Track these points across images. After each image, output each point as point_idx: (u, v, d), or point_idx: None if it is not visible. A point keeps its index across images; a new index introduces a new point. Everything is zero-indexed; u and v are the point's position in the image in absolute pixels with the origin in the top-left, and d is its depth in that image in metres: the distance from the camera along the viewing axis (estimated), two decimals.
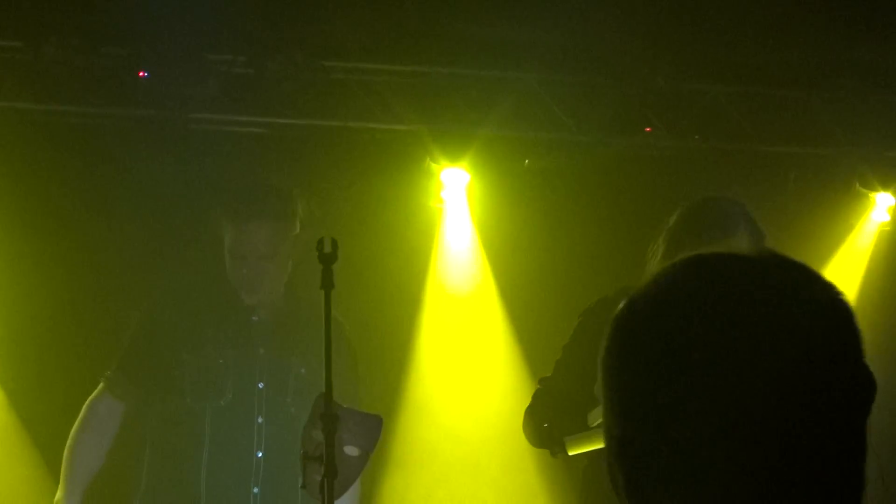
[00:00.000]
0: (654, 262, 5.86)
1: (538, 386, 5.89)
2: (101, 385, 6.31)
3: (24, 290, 7.26)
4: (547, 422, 5.67)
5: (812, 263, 6.14)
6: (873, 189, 8.11)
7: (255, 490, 6.08)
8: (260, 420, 6.14)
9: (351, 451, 4.75)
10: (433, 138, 7.65)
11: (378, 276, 7.48)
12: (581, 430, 5.48)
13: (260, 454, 6.11)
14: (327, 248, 4.73)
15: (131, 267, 7.29)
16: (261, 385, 6.18)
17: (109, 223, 7.31)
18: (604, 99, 7.77)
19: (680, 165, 7.93)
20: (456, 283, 7.89)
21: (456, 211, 7.86)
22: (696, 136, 7.92)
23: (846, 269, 8.16)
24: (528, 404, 5.85)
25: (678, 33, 7.46)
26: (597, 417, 5.40)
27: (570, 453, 5.51)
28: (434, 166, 7.71)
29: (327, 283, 4.75)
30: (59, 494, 6.17)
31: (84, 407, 6.29)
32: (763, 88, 7.92)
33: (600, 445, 5.43)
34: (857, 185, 8.12)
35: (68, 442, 6.24)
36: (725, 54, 7.72)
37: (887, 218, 8.17)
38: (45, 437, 7.10)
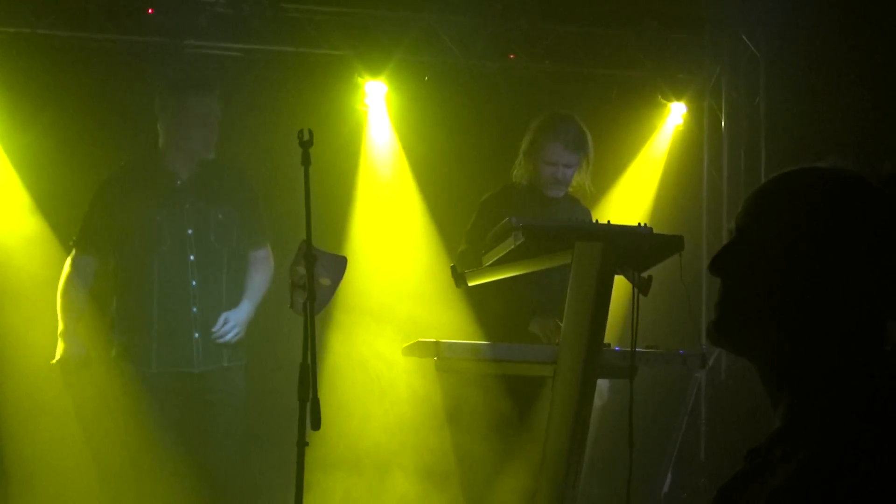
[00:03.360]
0: (520, 156, 6.04)
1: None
2: (72, 248, 6.29)
3: (66, 166, 7.12)
4: (454, 264, 5.75)
5: (629, 154, 6.25)
6: (670, 100, 8.22)
7: (194, 310, 6.14)
8: (192, 258, 6.16)
9: (325, 281, 4.74)
10: (360, 60, 7.61)
11: (321, 162, 7.40)
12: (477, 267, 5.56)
13: (194, 283, 6.15)
14: (305, 137, 4.67)
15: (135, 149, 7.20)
16: (190, 231, 6.17)
17: (125, 120, 7.19)
18: (481, 34, 7.78)
19: (534, 83, 7.95)
20: (379, 163, 7.83)
21: (377, 112, 7.81)
22: (546, 62, 7.96)
23: (653, 158, 8.28)
24: (439, 262, 5.95)
25: None
26: (488, 259, 5.46)
27: (470, 284, 5.57)
28: (360, 80, 7.68)
29: (306, 161, 4.70)
30: (60, 327, 6.17)
31: (65, 265, 6.25)
32: (593, 28, 7.97)
33: (492, 278, 5.54)
34: (660, 97, 8.23)
35: (59, 292, 6.21)
36: (567, 3, 7.77)
37: (681, 121, 8.28)
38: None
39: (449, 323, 5.81)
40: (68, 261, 6.26)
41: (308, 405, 4.28)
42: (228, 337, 6.19)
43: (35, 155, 7.14)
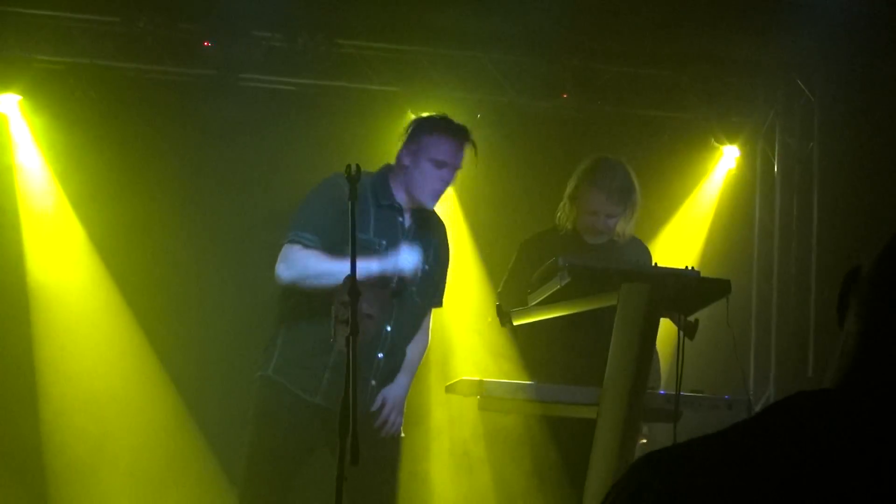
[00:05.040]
0: (564, 199, 5.98)
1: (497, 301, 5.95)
2: (292, 241, 5.39)
3: (120, 199, 7.22)
4: (499, 302, 5.75)
5: (679, 198, 6.21)
6: (723, 143, 8.21)
7: (380, 356, 5.46)
8: (393, 301, 5.47)
9: (369, 317, 4.77)
10: (410, 96, 7.66)
11: None
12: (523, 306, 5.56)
13: (388, 328, 5.46)
14: (352, 172, 4.73)
15: (189, 182, 7.27)
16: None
17: (179, 152, 7.29)
18: (534, 73, 7.81)
19: (588, 123, 7.97)
20: None
21: None
22: (599, 102, 7.98)
23: (704, 202, 8.26)
24: (485, 300, 5.94)
25: (588, 26, 7.52)
26: (534, 299, 5.47)
27: (515, 323, 5.57)
28: (411, 116, 7.63)
29: (353, 196, 4.74)
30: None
31: (290, 257, 5.38)
32: (646, 69, 7.98)
33: (537, 318, 5.54)
34: (713, 140, 8.22)
35: (309, 272, 5.32)
36: (621, 43, 7.79)
37: (733, 165, 8.27)
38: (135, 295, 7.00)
39: (494, 361, 5.81)
40: (293, 250, 5.38)
41: (348, 440, 4.29)
42: (391, 428, 5.51)
43: (89, 184, 7.23)
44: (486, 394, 5.32)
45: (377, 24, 7.45)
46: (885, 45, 7.33)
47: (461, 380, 5.42)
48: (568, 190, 6.00)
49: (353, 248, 4.63)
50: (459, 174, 7.22)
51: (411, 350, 5.62)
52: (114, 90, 7.20)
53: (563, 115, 7.98)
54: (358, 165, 4.74)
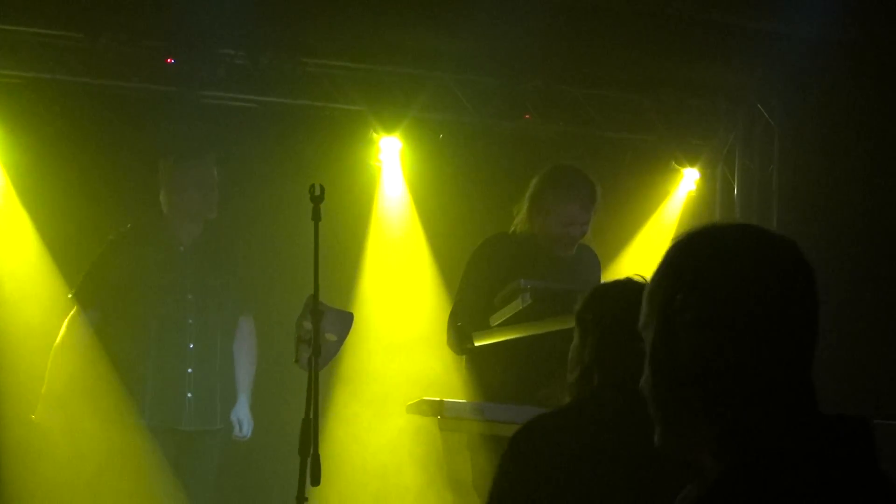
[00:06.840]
0: (524, 211, 5.98)
1: (449, 316, 5.92)
2: (73, 306, 6.44)
3: (81, 214, 7.18)
4: (461, 323, 5.73)
5: (640, 219, 6.23)
6: (684, 166, 8.25)
7: (189, 370, 6.40)
8: (190, 321, 6.40)
9: (331, 337, 4.77)
10: (375, 115, 7.65)
11: (333, 216, 7.45)
12: (485, 328, 5.57)
13: (192, 346, 6.40)
14: (317, 192, 4.75)
15: (151, 198, 7.22)
16: (190, 296, 6.42)
17: (141, 168, 7.23)
18: (497, 93, 7.81)
19: (549, 144, 7.96)
20: (391, 220, 7.83)
21: (391, 169, 7.81)
22: (561, 123, 8.00)
23: (664, 223, 8.28)
24: (447, 321, 5.91)
25: (551, 48, 7.53)
26: (496, 320, 5.48)
27: (477, 344, 5.57)
28: (375, 135, 7.69)
29: (316, 217, 4.76)
30: (44, 389, 6.35)
31: (65, 323, 6.42)
32: (609, 91, 8.00)
33: (498, 339, 5.54)
34: (673, 163, 8.26)
35: (53, 351, 6.38)
36: (584, 65, 7.81)
37: (693, 187, 8.31)
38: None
39: (455, 382, 5.82)
40: (68, 320, 6.44)
41: (308, 461, 4.30)
42: (250, 433, 6.55)
43: (49, 199, 7.19)
44: (446, 414, 5.32)
45: (341, 42, 7.42)
46: (844, 72, 7.40)
47: (421, 400, 5.41)
48: (532, 201, 5.95)
49: (315, 266, 4.65)
50: (422, 193, 7.43)
51: (241, 366, 6.60)
52: (76, 106, 7.15)
53: (526, 135, 7.98)
54: (322, 186, 4.75)
